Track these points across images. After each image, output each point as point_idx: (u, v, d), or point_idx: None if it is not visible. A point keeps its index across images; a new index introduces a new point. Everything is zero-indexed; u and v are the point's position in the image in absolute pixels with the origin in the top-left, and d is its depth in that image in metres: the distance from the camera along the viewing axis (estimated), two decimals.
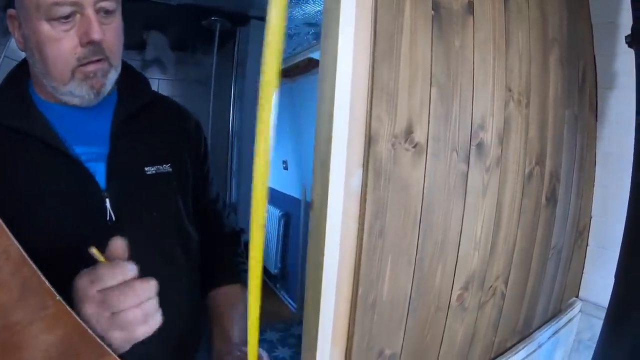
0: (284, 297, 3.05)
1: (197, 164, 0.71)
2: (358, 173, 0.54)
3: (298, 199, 2.68)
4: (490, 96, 0.73)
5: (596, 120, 1.18)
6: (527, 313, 0.97)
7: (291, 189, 2.82)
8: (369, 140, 0.54)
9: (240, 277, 0.73)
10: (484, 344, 0.85)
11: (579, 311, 1.22)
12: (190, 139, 0.71)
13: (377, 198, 0.55)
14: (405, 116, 0.58)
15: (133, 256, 0.55)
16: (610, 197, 1.17)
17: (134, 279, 0.42)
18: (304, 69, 2.01)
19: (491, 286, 0.79)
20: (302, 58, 1.82)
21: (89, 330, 0.43)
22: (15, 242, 0.41)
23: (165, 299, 0.61)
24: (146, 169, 0.59)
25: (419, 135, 0.60)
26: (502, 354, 0.92)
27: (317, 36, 1.55)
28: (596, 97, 1.18)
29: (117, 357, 0.44)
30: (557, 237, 1.00)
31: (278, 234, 2.95)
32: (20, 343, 0.41)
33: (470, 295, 0.74)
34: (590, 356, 1.26)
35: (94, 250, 0.44)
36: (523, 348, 0.96)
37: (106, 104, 0.60)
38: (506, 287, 0.84)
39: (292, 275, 2.93)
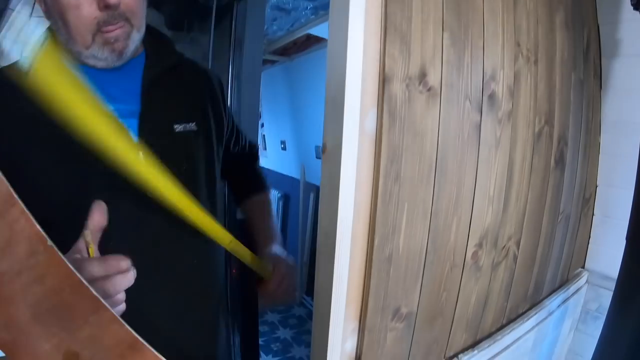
0: None
1: (223, 118, 0.76)
2: (372, 113, 0.51)
3: (297, 179, 2.62)
4: (500, 48, 0.71)
5: (600, 88, 1.17)
6: (537, 279, 0.95)
7: (290, 170, 2.76)
8: (383, 79, 0.51)
9: (263, 184, 0.92)
10: (496, 309, 0.83)
11: (586, 282, 1.21)
12: (215, 98, 0.74)
13: (392, 141, 0.52)
14: (419, 59, 0.56)
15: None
16: (615, 165, 1.16)
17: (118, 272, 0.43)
18: (302, 47, 1.96)
19: (504, 246, 0.77)
20: (300, 35, 1.77)
21: (83, 281, 0.38)
22: (5, 180, 0.37)
23: (192, 249, 0.64)
24: (175, 126, 0.62)
25: (432, 79, 0.57)
26: (514, 320, 0.91)
27: (316, 11, 1.51)
28: (600, 64, 1.16)
29: (113, 312, 0.40)
30: (565, 202, 0.98)
31: (277, 216, 2.89)
32: (6, 297, 0.37)
33: (485, 253, 0.72)
34: (597, 327, 1.26)
35: (88, 239, 0.43)
36: (534, 315, 0.95)
37: (135, 64, 0.62)
38: (518, 248, 0.82)
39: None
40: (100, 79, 0.57)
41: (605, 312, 0.90)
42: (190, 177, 0.63)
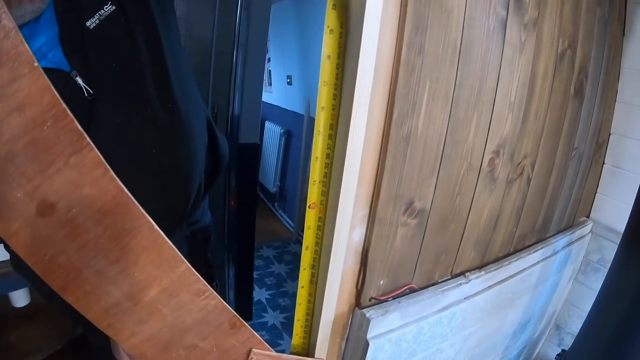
0: (281, 216, 2.96)
1: None
2: None
3: (301, 114, 2.54)
4: None
5: (623, 35, 1.13)
6: (546, 213, 0.94)
7: (294, 105, 2.67)
8: None
9: None
10: (506, 232, 0.82)
11: (590, 231, 1.20)
12: None
13: (418, 9, 0.50)
14: None
15: (120, 109, 0.57)
16: (631, 115, 1.13)
17: None
18: None
19: (520, 163, 0.75)
20: None
21: (68, 111, 0.34)
22: None
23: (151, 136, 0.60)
24: (87, 23, 0.55)
25: None
26: (520, 250, 0.90)
27: None
28: (625, 10, 1.12)
29: (97, 152, 0.35)
30: (579, 139, 0.96)
31: (278, 152, 2.81)
32: None
33: (501, 164, 0.70)
34: (597, 279, 1.25)
35: None
36: (540, 249, 0.94)
37: None
38: (532, 171, 0.80)
39: (291, 195, 2.80)
40: (34, 27, 0.54)
41: (607, 265, 0.89)
42: (128, 61, 0.58)
